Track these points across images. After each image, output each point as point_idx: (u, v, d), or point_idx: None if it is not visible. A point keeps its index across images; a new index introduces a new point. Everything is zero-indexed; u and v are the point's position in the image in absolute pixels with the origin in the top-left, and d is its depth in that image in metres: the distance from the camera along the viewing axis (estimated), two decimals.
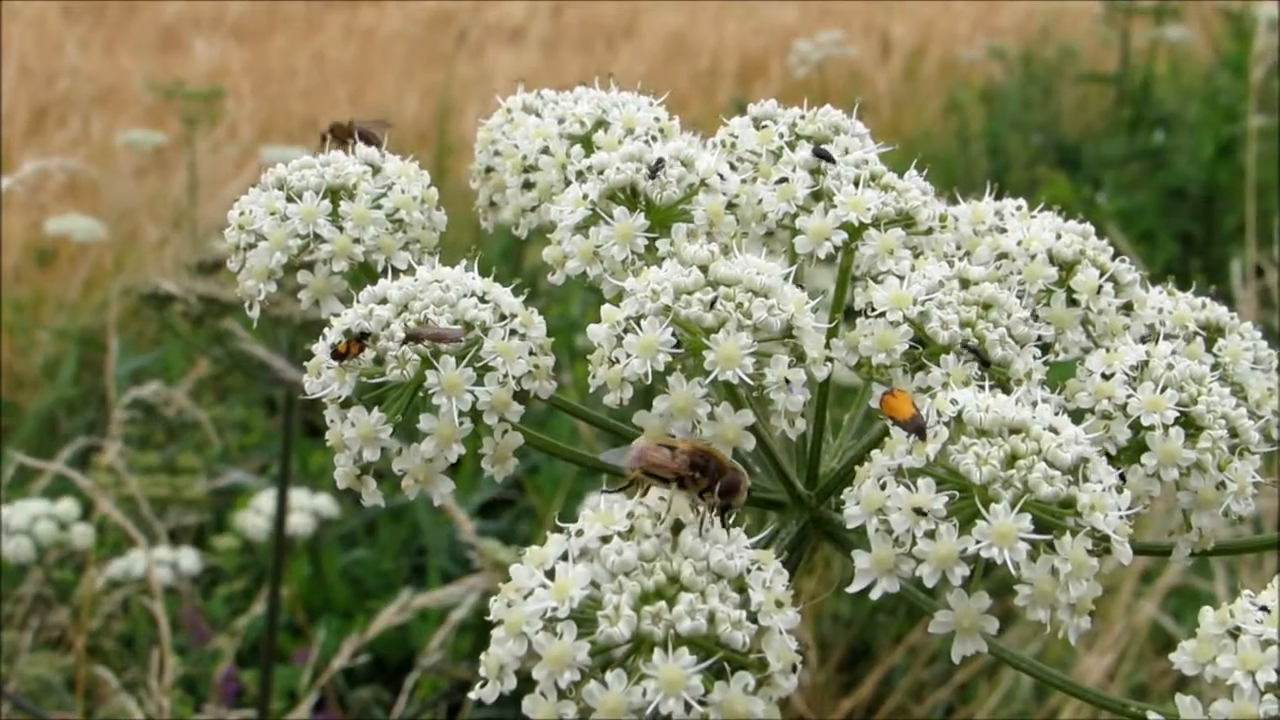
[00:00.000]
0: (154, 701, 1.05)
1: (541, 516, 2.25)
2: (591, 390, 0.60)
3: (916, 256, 0.68)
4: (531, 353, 0.65)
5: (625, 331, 0.51)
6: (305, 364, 0.91)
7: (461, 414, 0.63)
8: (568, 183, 0.86)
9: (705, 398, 0.51)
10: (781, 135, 0.81)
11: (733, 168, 0.98)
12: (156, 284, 0.79)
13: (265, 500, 1.38)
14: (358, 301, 0.65)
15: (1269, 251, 2.55)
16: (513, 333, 0.62)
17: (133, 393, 1.35)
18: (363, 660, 1.71)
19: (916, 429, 0.49)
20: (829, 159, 0.86)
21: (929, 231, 0.72)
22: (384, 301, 0.63)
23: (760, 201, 0.76)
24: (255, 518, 1.35)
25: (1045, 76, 5.04)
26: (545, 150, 0.81)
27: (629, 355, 0.51)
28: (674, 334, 0.51)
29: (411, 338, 0.68)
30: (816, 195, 0.69)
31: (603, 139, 0.84)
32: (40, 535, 0.98)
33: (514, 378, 0.59)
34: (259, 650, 1.78)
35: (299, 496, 1.77)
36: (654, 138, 0.93)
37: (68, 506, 1.04)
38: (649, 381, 0.53)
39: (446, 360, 0.62)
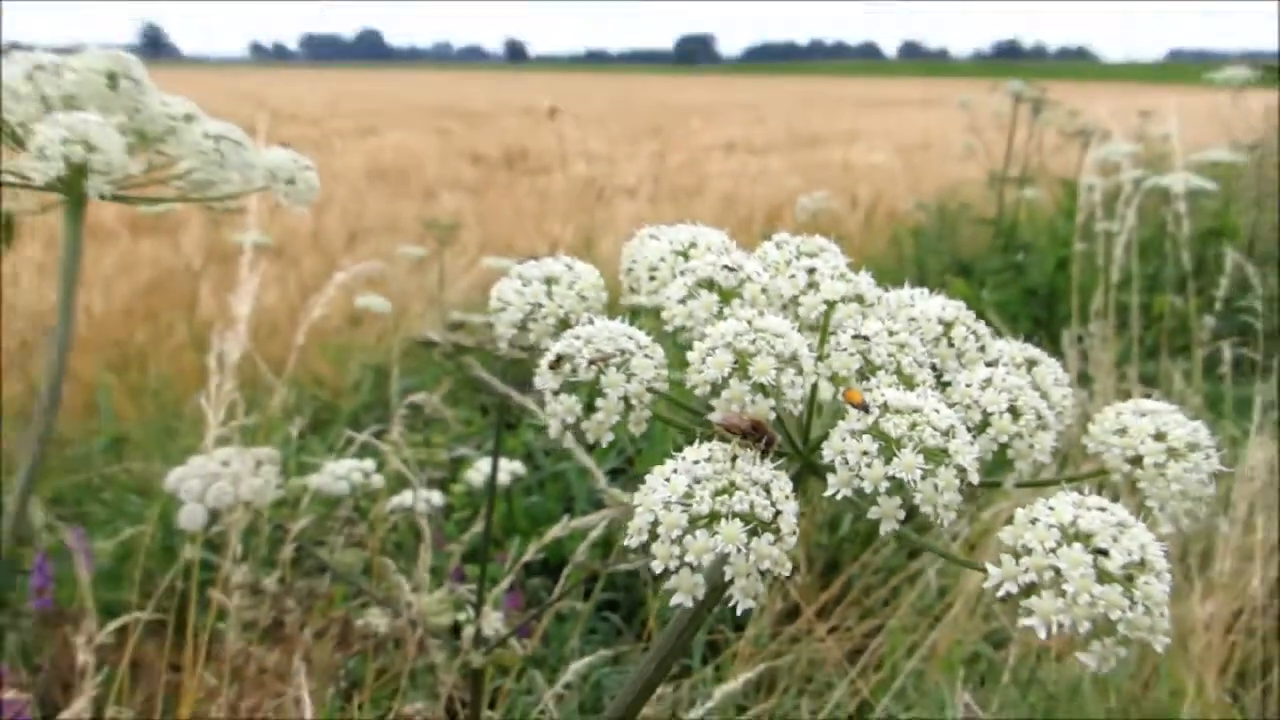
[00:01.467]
0: (415, 579, 1.07)
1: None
2: (688, 386, 0.61)
3: (864, 319, 0.70)
4: (656, 367, 0.66)
5: (707, 355, 0.53)
6: (512, 383, 0.93)
7: (618, 399, 0.64)
8: (674, 277, 0.85)
9: (748, 392, 0.52)
10: (791, 252, 0.81)
11: (764, 270, 0.98)
12: (426, 335, 0.81)
13: (483, 464, 1.40)
14: (562, 339, 0.66)
15: (1085, 327, 2.56)
16: (646, 356, 0.63)
17: (408, 399, 1.39)
18: (537, 560, 1.73)
19: (863, 408, 0.51)
20: (814, 269, 0.87)
21: (871, 305, 0.73)
22: (576, 338, 0.64)
23: (780, 289, 0.77)
24: (475, 475, 1.36)
25: (951, 220, 5.02)
26: (663, 258, 0.81)
27: (708, 368, 0.52)
28: (733, 357, 0.52)
29: (592, 360, 0.70)
30: (810, 285, 0.70)
31: (694, 252, 0.84)
32: (353, 480, 1.00)
33: (646, 380, 0.60)
34: (476, 554, 1.79)
35: (502, 463, 1.78)
36: (724, 251, 0.92)
37: (369, 464, 1.06)
38: (720, 381, 0.55)
39: (611, 370, 0.64)
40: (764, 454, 0.51)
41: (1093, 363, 2.45)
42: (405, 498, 1.25)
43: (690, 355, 0.57)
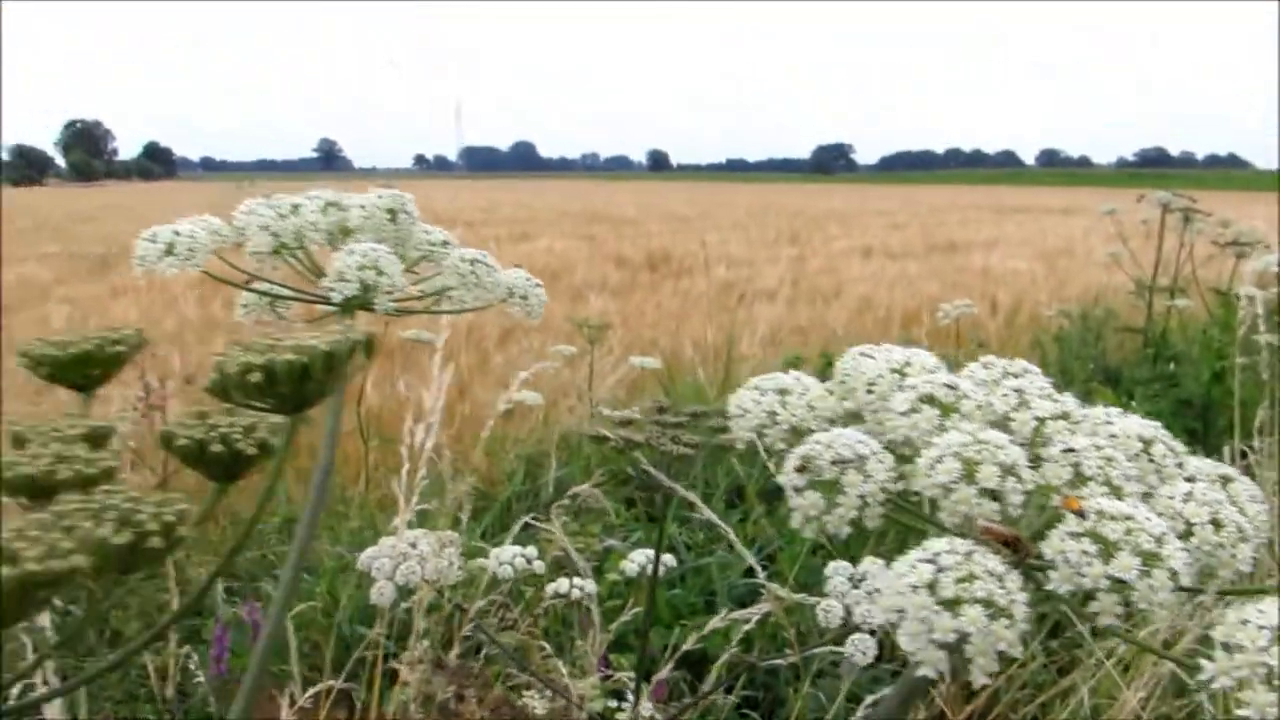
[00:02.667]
0: (576, 663, 1.08)
1: (785, 575, 2.23)
2: (915, 488, 0.63)
3: (1071, 434, 0.70)
4: (887, 470, 0.67)
5: (936, 462, 0.55)
6: (675, 479, 0.96)
7: (857, 497, 0.65)
8: (892, 392, 0.85)
9: (975, 496, 0.53)
10: (998, 372, 0.81)
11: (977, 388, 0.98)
12: (598, 429, 0.84)
13: (635, 554, 1.41)
14: (806, 443, 0.67)
15: (1249, 442, 2.42)
16: (879, 460, 0.65)
17: (570, 490, 1.42)
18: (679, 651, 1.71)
19: (1080, 514, 0.52)
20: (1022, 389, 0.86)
21: (1077, 422, 0.73)
22: (819, 443, 0.66)
23: (994, 406, 0.77)
24: (630, 565, 1.38)
25: (1096, 327, 4.85)
26: (880, 375, 0.82)
27: (938, 474, 0.54)
28: (960, 465, 0.53)
29: (833, 461, 0.72)
30: (1021, 404, 0.71)
31: (909, 370, 0.84)
32: (516, 565, 1.03)
33: (880, 482, 0.61)
34: (621, 642, 1.80)
35: (653, 553, 1.78)
36: (935, 370, 0.92)
37: (531, 550, 1.09)
38: (949, 486, 0.57)
39: (850, 472, 0.66)
40: (1018, 564, 0.53)
41: (1260, 480, 2.31)
42: (561, 584, 1.28)
43: (919, 462, 0.59)
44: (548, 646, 1.10)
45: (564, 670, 1.02)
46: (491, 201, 30.52)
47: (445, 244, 0.75)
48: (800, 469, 0.56)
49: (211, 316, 6.28)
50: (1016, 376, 0.69)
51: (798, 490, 0.58)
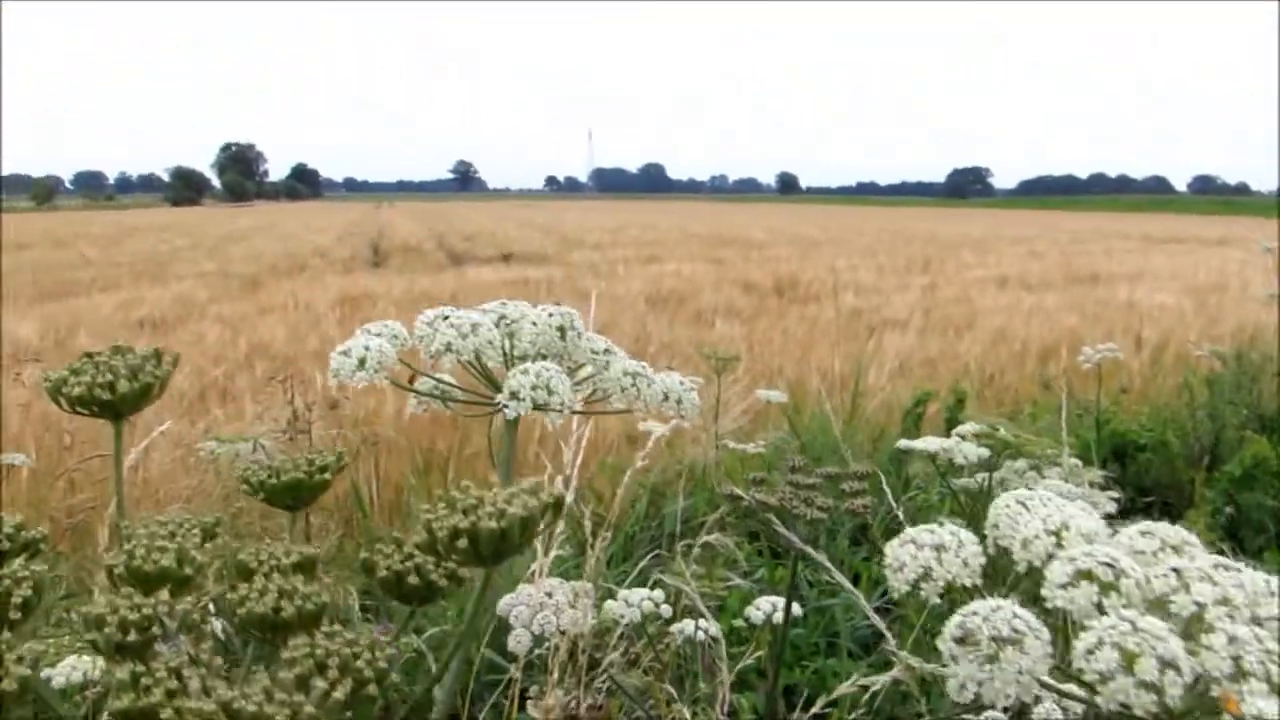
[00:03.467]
0: (685, 705, 1.09)
1: (912, 620, 2.18)
2: (1073, 670, 0.60)
3: (1231, 620, 0.66)
4: (1044, 647, 0.66)
5: (1095, 648, 0.54)
6: (803, 533, 0.95)
7: (1014, 672, 0.63)
8: (1048, 556, 0.80)
9: (1134, 686, 0.52)
10: (1155, 543, 0.77)
11: (1136, 564, 0.91)
12: (732, 489, 0.84)
13: (762, 602, 1.40)
14: (965, 613, 0.64)
15: None
16: (1036, 638, 0.64)
17: (701, 539, 1.43)
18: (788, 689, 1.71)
19: (1239, 718, 0.51)
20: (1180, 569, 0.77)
21: (1237, 608, 0.70)
22: (976, 614, 0.66)
23: (1153, 586, 0.73)
24: (755, 612, 1.37)
25: (1252, 370, 4.58)
26: (1037, 535, 0.79)
27: (1097, 661, 0.54)
28: (1118, 655, 0.53)
29: (992, 637, 0.71)
30: (1181, 585, 0.68)
31: (1066, 535, 0.81)
32: (644, 608, 1.04)
33: (1036, 659, 0.60)
34: (743, 684, 1.80)
35: (779, 601, 1.75)
36: (1094, 537, 0.87)
37: (659, 594, 1.10)
38: (1107, 674, 0.56)
39: (1008, 649, 0.65)
40: None
41: None
42: (686, 625, 1.29)
43: (1077, 646, 0.59)
44: (671, 690, 1.11)
45: (687, 715, 1.03)
46: (620, 223, 30.92)
47: (609, 352, 0.79)
48: (959, 640, 0.56)
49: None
50: (1177, 551, 0.66)
51: (955, 659, 0.58)
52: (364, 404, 4.56)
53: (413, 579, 0.55)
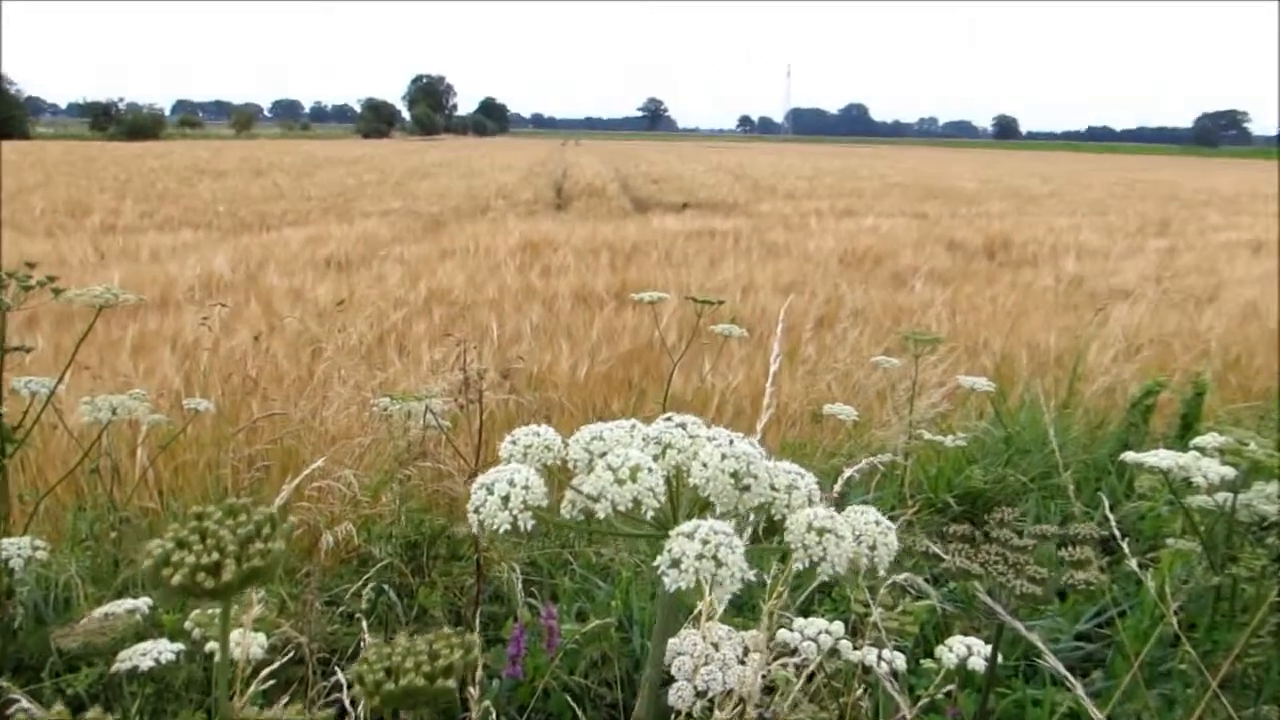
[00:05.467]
0: None
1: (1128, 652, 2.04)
2: None
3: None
4: None
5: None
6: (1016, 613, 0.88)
7: None
8: None
9: None
10: None
11: None
12: (925, 545, 0.79)
13: (955, 644, 1.32)
14: None
15: None
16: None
17: (890, 580, 1.36)
18: None
19: None
20: None
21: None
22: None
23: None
24: (948, 654, 1.30)
25: None
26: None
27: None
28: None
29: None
30: None
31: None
32: (820, 642, 1.01)
33: None
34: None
35: (971, 643, 1.67)
36: None
37: (838, 626, 1.06)
38: None
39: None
40: None
41: None
42: (868, 655, 1.23)
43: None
44: None
45: None
46: (817, 169, 30.37)
47: (791, 489, 0.73)
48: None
49: (530, 285, 6.71)
50: None
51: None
52: (539, 359, 4.66)
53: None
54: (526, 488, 0.71)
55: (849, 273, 8.05)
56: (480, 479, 0.71)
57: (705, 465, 0.71)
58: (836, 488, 1.24)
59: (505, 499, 0.70)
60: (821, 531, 0.69)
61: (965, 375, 2.66)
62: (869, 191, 20.59)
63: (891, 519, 1.75)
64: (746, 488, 0.68)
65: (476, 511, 0.70)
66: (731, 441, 0.71)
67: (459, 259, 8.36)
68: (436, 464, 2.48)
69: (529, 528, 0.69)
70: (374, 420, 2.97)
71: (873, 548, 0.71)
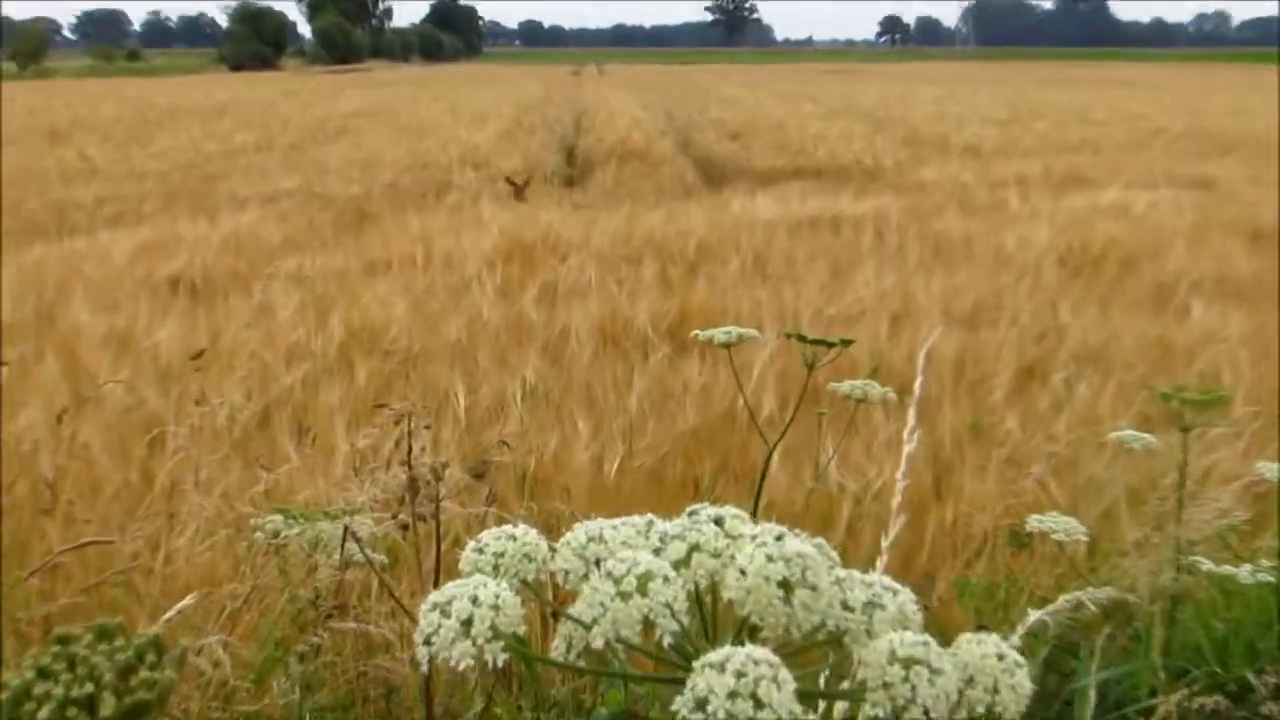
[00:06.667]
0: None
1: None
2: None
3: None
4: None
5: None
6: None
7: None
8: None
9: None
10: None
11: None
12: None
13: None
14: None
15: None
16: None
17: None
18: None
19: None
20: None
21: None
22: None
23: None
24: None
25: None
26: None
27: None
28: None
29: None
30: None
31: None
32: None
33: None
34: None
35: None
36: None
37: None
38: None
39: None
40: None
41: None
42: None
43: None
44: None
45: None
46: (1014, 108, 30.27)
47: (872, 608, 0.78)
48: None
49: (521, 317, 6.75)
50: None
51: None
52: (537, 446, 4.69)
53: None
54: (496, 607, 0.76)
55: (1075, 285, 8.00)
56: (431, 596, 0.75)
57: (744, 573, 0.76)
58: (1015, 637, 1.28)
59: (466, 623, 0.75)
60: (909, 663, 0.73)
61: (1275, 461, 2.68)
62: (1109, 143, 20.53)
63: (1147, 712, 1.74)
64: (797, 601, 0.73)
65: (428, 642, 0.75)
66: (780, 538, 0.76)
67: (398, 275, 8.38)
68: (363, 626, 2.51)
69: (500, 663, 0.74)
70: (256, 555, 3.02)
71: (994, 690, 0.74)
